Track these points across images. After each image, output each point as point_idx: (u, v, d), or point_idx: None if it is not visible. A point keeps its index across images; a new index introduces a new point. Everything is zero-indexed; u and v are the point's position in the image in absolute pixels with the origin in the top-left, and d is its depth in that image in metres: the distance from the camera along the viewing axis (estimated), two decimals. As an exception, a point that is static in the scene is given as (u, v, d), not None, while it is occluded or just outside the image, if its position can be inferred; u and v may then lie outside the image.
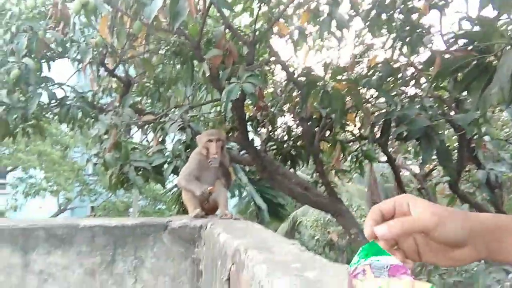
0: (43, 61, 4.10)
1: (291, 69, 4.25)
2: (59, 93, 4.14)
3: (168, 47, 4.24)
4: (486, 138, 4.23)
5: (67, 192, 16.12)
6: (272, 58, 4.18)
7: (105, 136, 3.77)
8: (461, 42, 2.81)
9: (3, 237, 2.46)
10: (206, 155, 2.80)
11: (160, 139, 4.04)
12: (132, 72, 4.80)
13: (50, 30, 3.80)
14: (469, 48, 2.48)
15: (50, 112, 4.30)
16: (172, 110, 4.30)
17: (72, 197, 17.01)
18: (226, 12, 3.92)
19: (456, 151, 4.42)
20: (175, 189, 10.66)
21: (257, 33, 3.83)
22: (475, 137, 3.97)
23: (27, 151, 14.98)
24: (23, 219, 2.86)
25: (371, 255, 0.70)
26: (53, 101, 4.06)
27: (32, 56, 3.77)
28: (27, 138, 4.49)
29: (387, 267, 0.68)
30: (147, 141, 4.68)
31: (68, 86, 4.30)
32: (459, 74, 2.72)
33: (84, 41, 3.80)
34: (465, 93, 3.12)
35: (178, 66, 4.54)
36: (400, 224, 0.72)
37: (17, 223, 2.56)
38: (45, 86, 3.90)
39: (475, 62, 2.34)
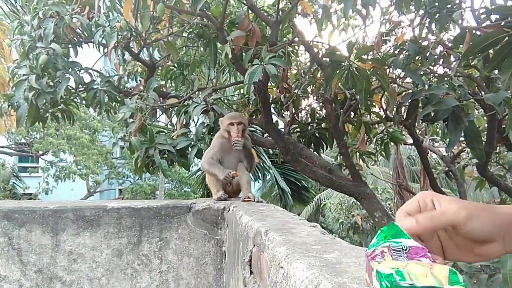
0: (70, 46, 4.16)
1: (315, 50, 4.17)
2: (86, 78, 4.21)
3: (191, 29, 4.23)
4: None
5: (96, 175, 16.57)
6: (296, 39, 4.11)
7: (131, 120, 3.82)
8: (493, 17, 2.70)
9: (35, 219, 2.56)
10: (228, 138, 2.82)
11: (184, 122, 4.06)
12: (156, 55, 4.83)
13: (76, 15, 3.84)
14: (502, 23, 2.37)
15: (78, 97, 4.38)
16: (196, 93, 4.31)
17: (100, 180, 17.49)
18: (249, -8, 3.86)
19: (485, 132, 4.27)
20: (200, 172, 10.79)
21: (280, 13, 3.77)
22: (506, 117, 3.83)
23: (57, 135, 15.44)
24: (53, 201, 2.95)
25: (390, 237, 0.68)
26: (80, 85, 4.14)
27: (60, 41, 3.84)
28: (57, 122, 4.60)
29: (406, 249, 0.66)
30: (171, 124, 4.73)
31: (94, 70, 4.36)
32: (490, 52, 2.61)
33: (109, 25, 3.82)
34: (496, 71, 3.00)
35: (201, 49, 4.54)
36: (429, 217, 0.70)
37: (47, 205, 2.65)
38: (73, 70, 3.97)
39: (507, 38, 2.23)
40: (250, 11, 3.80)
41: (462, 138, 3.33)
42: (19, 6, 4.44)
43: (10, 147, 17.69)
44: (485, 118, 4.26)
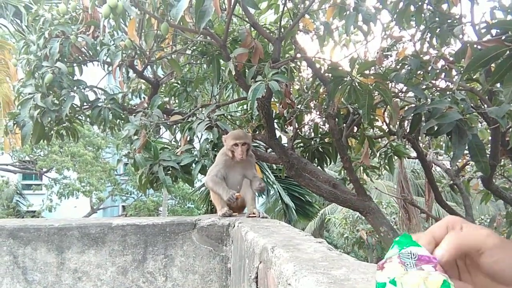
0: (75, 64, 4.21)
1: (317, 65, 4.21)
2: (91, 96, 4.25)
3: (195, 47, 4.28)
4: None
5: (100, 192, 16.54)
6: (298, 55, 4.15)
7: (135, 137, 3.84)
8: (494, 32, 2.72)
9: (40, 237, 2.55)
10: (232, 157, 2.83)
11: (188, 139, 4.08)
12: (160, 73, 4.87)
13: (81, 35, 3.90)
14: (502, 38, 2.39)
15: (82, 114, 4.41)
16: (200, 109, 4.34)
17: (104, 197, 17.47)
18: (251, 10, 3.92)
19: (489, 145, 4.27)
20: (204, 188, 10.78)
21: (282, 30, 3.82)
22: (509, 130, 3.83)
23: (61, 153, 15.48)
24: (58, 219, 2.95)
25: (403, 247, 0.65)
26: (85, 103, 4.17)
27: (65, 60, 3.89)
28: (61, 140, 4.63)
29: (415, 256, 0.63)
30: (175, 140, 4.74)
31: (99, 88, 4.40)
32: (492, 65, 2.63)
33: (113, 44, 3.87)
34: (498, 84, 3.02)
35: (204, 66, 4.58)
36: (451, 239, 0.61)
37: (52, 223, 2.65)
38: (78, 89, 4.01)
39: (508, 52, 2.25)
40: (252, 29, 3.85)
41: (466, 151, 3.33)
42: (24, 26, 4.51)
43: (14, 164, 17.74)
44: (488, 131, 4.26)
